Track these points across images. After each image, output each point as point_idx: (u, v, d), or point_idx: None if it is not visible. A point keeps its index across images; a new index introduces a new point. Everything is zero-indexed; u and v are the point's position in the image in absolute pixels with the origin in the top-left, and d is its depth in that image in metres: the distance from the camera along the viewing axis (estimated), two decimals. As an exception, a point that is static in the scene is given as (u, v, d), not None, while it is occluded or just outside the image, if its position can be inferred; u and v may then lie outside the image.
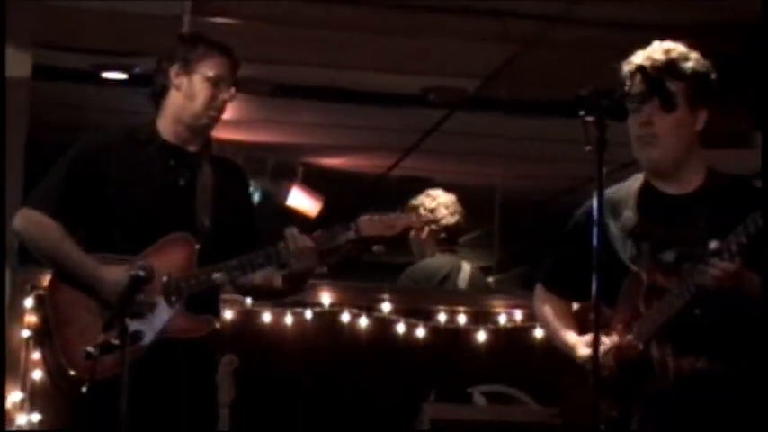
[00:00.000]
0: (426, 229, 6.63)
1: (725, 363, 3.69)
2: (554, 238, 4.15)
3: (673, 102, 3.73)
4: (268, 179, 9.64)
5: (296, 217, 9.60)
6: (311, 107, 8.22)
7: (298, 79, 7.74)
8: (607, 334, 3.82)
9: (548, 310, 4.10)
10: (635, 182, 3.92)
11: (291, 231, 4.23)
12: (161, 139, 4.33)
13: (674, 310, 3.67)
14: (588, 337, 3.82)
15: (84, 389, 3.94)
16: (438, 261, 6.86)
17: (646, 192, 3.87)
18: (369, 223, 4.30)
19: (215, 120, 4.36)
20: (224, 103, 4.33)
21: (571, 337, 3.94)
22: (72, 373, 4.13)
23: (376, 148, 9.52)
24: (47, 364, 4.47)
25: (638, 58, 3.77)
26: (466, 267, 7.08)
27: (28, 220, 4.29)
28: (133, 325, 3.91)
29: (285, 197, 9.65)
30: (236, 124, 8.40)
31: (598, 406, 3.73)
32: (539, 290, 4.17)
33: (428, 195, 6.66)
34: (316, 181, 9.82)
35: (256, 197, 9.48)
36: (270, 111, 8.38)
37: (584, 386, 3.75)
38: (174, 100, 4.32)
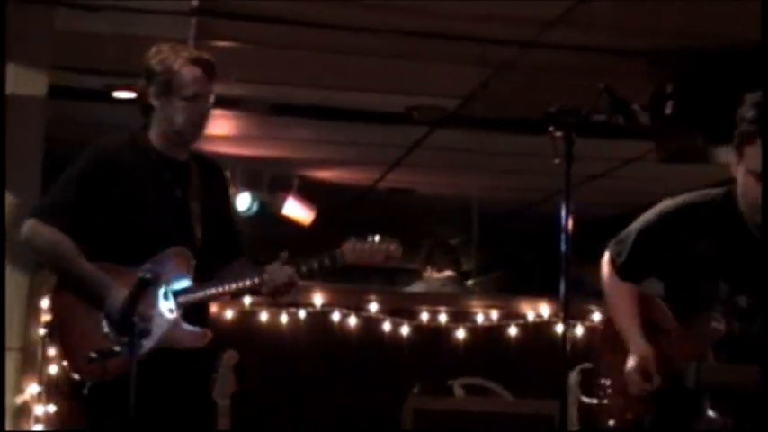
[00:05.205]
0: None
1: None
2: (639, 230, 3.85)
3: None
4: (265, 190, 9.60)
5: (291, 225, 9.58)
6: (305, 124, 8.20)
7: (293, 98, 7.72)
8: (662, 343, 3.72)
9: (618, 294, 3.88)
10: (727, 201, 3.69)
11: (272, 267, 4.12)
12: (156, 151, 4.18)
13: (735, 386, 3.54)
14: (644, 350, 3.71)
15: (85, 391, 3.87)
16: (439, 283, 7.22)
17: (732, 223, 3.66)
18: (352, 252, 4.18)
19: (198, 133, 4.19)
20: (204, 115, 4.17)
21: (635, 337, 3.77)
22: (75, 376, 4.00)
23: (364, 162, 9.50)
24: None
25: None
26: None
27: (36, 233, 4.08)
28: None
29: (281, 207, 9.61)
30: (235, 140, 8.38)
31: (610, 403, 3.74)
32: (611, 275, 3.91)
33: None
34: (309, 192, 9.79)
35: (254, 207, 9.44)
36: (267, 127, 8.35)
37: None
38: (158, 118, 4.16)
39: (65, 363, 4.06)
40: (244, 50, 6.56)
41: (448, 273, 7.42)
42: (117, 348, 3.79)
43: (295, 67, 7.01)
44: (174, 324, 4.05)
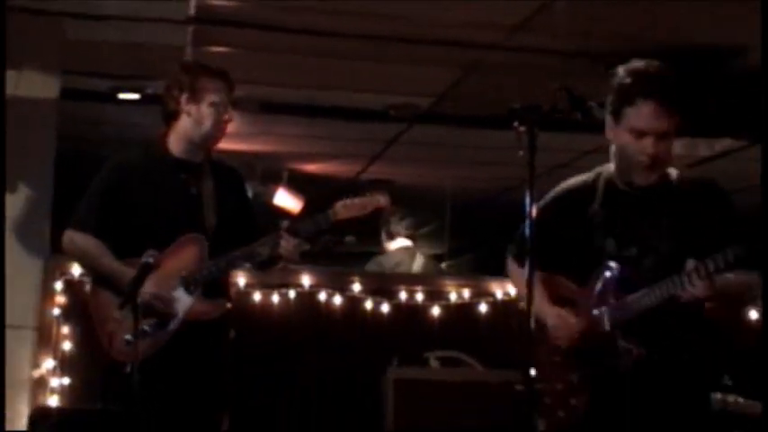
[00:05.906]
0: None
1: (677, 356, 3.62)
2: (524, 221, 4.01)
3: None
4: (258, 182, 9.60)
5: (282, 213, 9.60)
6: (294, 122, 8.18)
7: (283, 98, 7.73)
8: (573, 309, 3.78)
9: (523, 282, 3.72)
10: (597, 178, 3.82)
11: (286, 237, 4.28)
12: (172, 156, 4.40)
13: (642, 309, 3.59)
14: (558, 311, 3.78)
15: (127, 369, 3.94)
16: (395, 254, 7.11)
17: (607, 190, 3.76)
18: (344, 207, 4.33)
19: (221, 136, 4.45)
20: (226, 122, 4.42)
21: (547, 307, 3.77)
22: (116, 359, 4.13)
23: (348, 156, 9.49)
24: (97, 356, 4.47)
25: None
26: (420, 258, 7.25)
27: (72, 242, 4.37)
28: (160, 316, 4.15)
29: (272, 197, 9.61)
30: (231, 136, 8.29)
31: (555, 367, 3.73)
32: (514, 270, 3.96)
33: None
34: (298, 183, 9.81)
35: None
36: (259, 125, 8.32)
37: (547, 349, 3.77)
38: (185, 123, 4.38)
39: (108, 350, 4.21)
40: (237, 55, 6.57)
41: (402, 242, 7.31)
42: (147, 329, 4.04)
43: (284, 69, 7.01)
44: (195, 300, 4.25)
